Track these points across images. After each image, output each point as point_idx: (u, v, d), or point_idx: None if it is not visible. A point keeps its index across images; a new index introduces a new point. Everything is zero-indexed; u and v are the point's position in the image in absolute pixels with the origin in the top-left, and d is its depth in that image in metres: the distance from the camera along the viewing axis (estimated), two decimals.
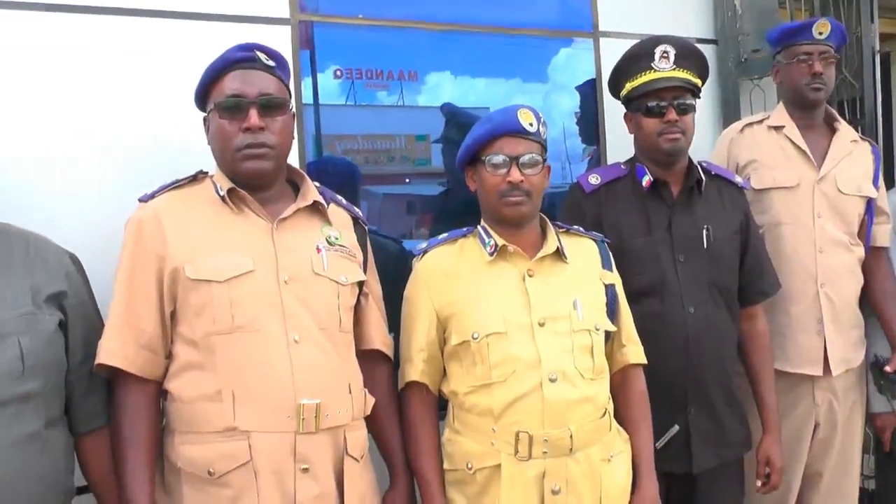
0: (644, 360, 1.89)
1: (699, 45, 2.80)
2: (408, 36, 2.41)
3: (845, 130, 2.51)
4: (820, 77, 2.38)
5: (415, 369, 1.80)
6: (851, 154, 2.43)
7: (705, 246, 2.05)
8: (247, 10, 2.18)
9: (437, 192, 2.49)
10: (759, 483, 2.17)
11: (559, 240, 1.82)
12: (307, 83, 2.28)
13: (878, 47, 2.98)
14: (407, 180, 2.47)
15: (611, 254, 1.91)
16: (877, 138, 2.96)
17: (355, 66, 2.36)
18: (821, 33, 2.38)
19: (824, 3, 2.96)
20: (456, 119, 2.42)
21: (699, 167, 2.12)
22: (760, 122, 2.50)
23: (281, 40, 2.19)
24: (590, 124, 2.68)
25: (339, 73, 2.34)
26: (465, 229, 1.86)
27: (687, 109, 2.04)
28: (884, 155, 3.00)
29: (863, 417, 2.50)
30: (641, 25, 2.67)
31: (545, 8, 2.61)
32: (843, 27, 2.50)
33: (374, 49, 2.37)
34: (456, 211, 2.31)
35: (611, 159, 2.54)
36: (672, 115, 2.01)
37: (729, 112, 2.87)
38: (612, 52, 2.17)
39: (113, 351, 1.58)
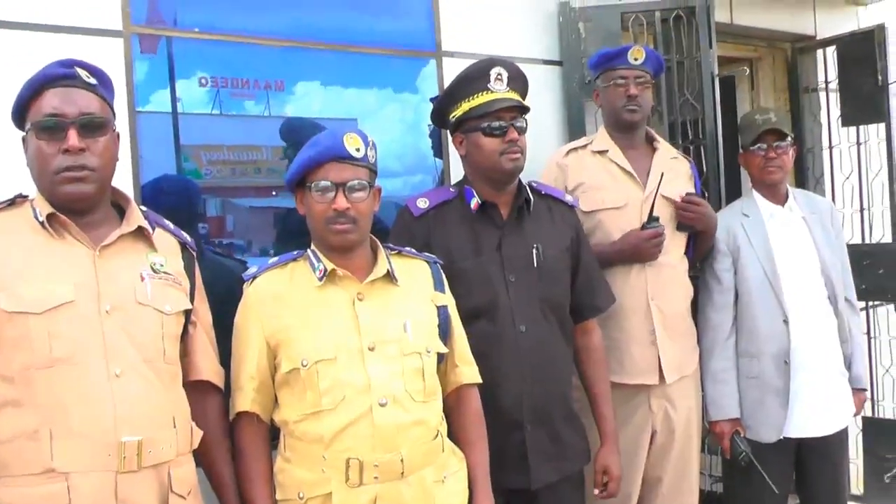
0: (478, 380, 1.92)
1: (545, 66, 2.91)
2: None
3: (664, 149, 2.65)
4: (635, 99, 2.50)
5: (245, 398, 1.76)
6: (672, 170, 2.54)
7: (535, 265, 2.09)
8: (77, 21, 2.08)
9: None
10: (596, 491, 2.23)
11: (390, 262, 1.82)
12: (165, 92, 2.21)
13: (716, 72, 3.14)
14: (274, 193, 2.42)
15: (443, 275, 1.93)
16: (717, 158, 3.10)
17: (220, 73, 2.30)
18: (636, 59, 2.50)
19: (665, 29, 3.11)
20: (293, 137, 2.38)
21: (528, 187, 2.16)
22: (584, 146, 2.60)
23: (113, 53, 2.12)
24: (436, 138, 2.72)
25: (204, 81, 2.28)
26: (295, 253, 1.84)
27: (523, 130, 2.08)
28: (726, 173, 3.18)
29: (699, 422, 2.61)
30: (486, 46, 2.73)
31: (391, 27, 2.62)
32: (658, 54, 2.65)
33: (240, 58, 2.33)
34: None
35: (455, 173, 2.58)
36: (514, 134, 2.05)
37: (574, 132, 2.96)
38: (457, 72, 2.19)
39: None
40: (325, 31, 2.48)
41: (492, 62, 2.10)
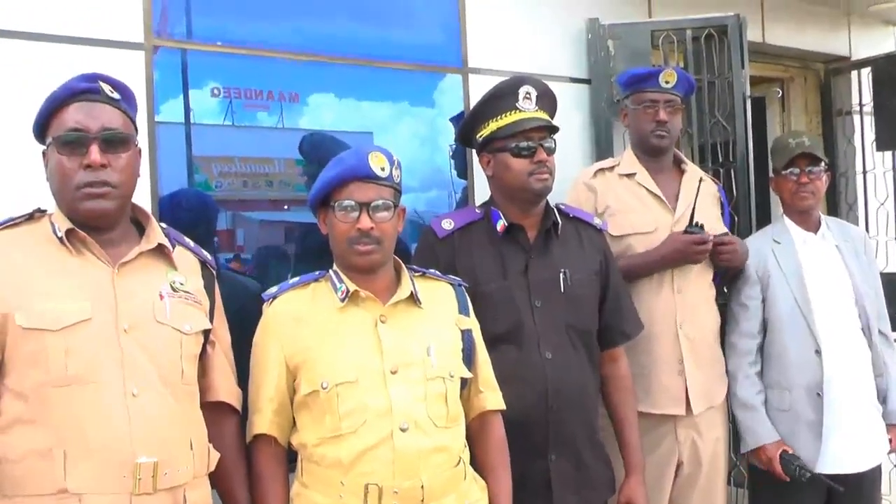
0: (502, 406, 1.87)
1: (573, 84, 2.86)
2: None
3: (692, 171, 2.59)
4: (664, 125, 2.44)
5: (263, 421, 1.72)
6: (700, 193, 2.46)
7: (563, 289, 2.04)
8: (98, 33, 2.09)
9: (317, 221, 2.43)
10: None
11: (413, 284, 1.78)
12: (177, 102, 2.19)
13: (748, 92, 3.08)
14: (286, 207, 2.39)
15: (468, 298, 1.88)
16: (748, 180, 3.04)
17: (234, 84, 2.29)
18: (667, 82, 2.44)
19: (696, 47, 3.05)
20: (315, 153, 2.36)
21: (556, 210, 2.12)
22: (612, 168, 2.54)
23: (134, 65, 2.11)
24: (460, 158, 2.69)
25: (216, 91, 2.26)
26: (317, 273, 1.80)
27: (552, 150, 2.04)
28: (756, 195, 3.11)
29: (727, 454, 2.54)
30: (513, 63, 2.70)
31: (417, 42, 2.60)
32: (689, 76, 2.58)
33: (254, 68, 2.31)
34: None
35: (480, 193, 2.54)
36: (542, 155, 2.00)
37: (602, 151, 2.92)
38: (484, 89, 2.16)
39: None
40: (347, 44, 2.46)
41: (520, 80, 2.06)
